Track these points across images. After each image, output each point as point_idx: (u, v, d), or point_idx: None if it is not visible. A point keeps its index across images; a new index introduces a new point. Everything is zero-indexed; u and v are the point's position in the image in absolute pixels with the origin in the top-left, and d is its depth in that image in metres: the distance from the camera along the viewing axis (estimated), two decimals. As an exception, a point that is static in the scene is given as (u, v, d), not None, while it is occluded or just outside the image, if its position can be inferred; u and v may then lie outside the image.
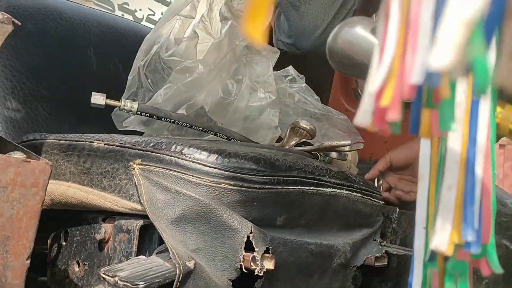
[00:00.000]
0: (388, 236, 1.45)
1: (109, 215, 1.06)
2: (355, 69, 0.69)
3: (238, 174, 0.99)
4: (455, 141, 0.37)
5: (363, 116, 0.37)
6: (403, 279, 1.54)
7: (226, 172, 0.98)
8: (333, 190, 1.18)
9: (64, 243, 1.12)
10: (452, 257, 0.38)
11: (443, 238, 0.37)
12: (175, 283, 0.85)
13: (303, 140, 1.47)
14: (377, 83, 0.36)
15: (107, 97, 1.26)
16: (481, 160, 0.36)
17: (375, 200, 1.32)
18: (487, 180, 0.36)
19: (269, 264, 0.99)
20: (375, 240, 1.33)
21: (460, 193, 0.37)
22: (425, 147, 0.49)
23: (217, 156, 0.99)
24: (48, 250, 1.15)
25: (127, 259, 0.97)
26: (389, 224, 1.45)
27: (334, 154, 1.45)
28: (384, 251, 1.31)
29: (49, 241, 1.15)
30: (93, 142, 1.09)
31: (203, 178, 0.98)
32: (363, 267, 1.34)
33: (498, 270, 0.37)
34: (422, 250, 0.49)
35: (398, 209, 1.50)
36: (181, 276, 0.86)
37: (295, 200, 1.09)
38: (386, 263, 1.32)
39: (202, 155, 0.99)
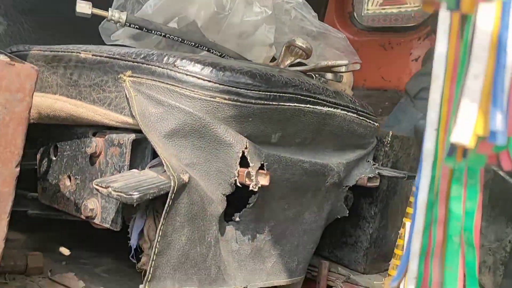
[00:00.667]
0: (380, 159, 1.45)
1: (100, 129, 1.03)
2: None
3: (233, 88, 0.96)
4: (485, 26, 0.34)
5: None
6: (392, 201, 1.56)
7: (220, 86, 0.95)
8: (329, 109, 1.16)
9: (54, 158, 1.10)
10: (473, 151, 0.36)
11: (465, 130, 0.34)
12: (169, 195, 0.84)
13: (298, 60, 1.42)
14: None
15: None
16: (514, 45, 0.33)
17: (370, 121, 1.30)
18: (518, 66, 0.34)
19: (264, 180, 0.99)
20: (368, 161, 1.33)
21: (488, 81, 0.34)
22: (441, 44, 0.46)
23: (211, 69, 0.95)
24: (38, 165, 1.13)
25: (119, 173, 0.95)
26: (381, 147, 1.44)
27: (329, 76, 1.41)
28: (377, 172, 1.31)
29: (38, 156, 1.12)
30: (80, 53, 1.03)
31: (197, 92, 0.94)
32: (354, 189, 1.35)
33: (521, 163, 0.35)
34: (431, 153, 0.48)
35: (391, 133, 1.49)
36: (175, 188, 0.85)
37: (291, 117, 1.07)
38: (378, 183, 1.32)
39: (196, 68, 0.95)
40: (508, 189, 1.80)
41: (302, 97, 1.09)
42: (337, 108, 1.18)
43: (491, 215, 1.91)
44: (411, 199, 1.07)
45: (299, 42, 1.34)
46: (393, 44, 2.16)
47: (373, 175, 1.30)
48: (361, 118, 1.26)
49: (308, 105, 1.10)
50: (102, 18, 1.18)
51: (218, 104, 0.95)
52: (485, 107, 0.34)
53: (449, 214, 0.48)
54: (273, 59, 1.48)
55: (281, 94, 1.04)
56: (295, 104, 1.07)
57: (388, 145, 1.46)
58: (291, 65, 1.39)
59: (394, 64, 2.18)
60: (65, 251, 1.30)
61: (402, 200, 1.53)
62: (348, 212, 1.31)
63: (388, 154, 1.46)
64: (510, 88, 0.34)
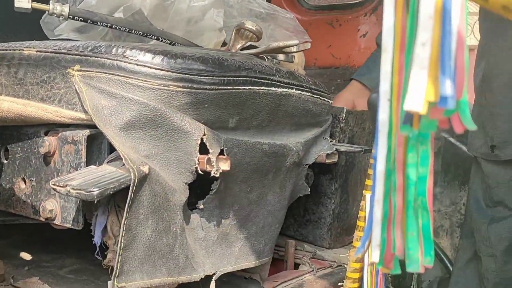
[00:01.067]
0: (336, 136, 1.47)
1: (52, 127, 1.00)
2: None
3: (187, 75, 0.95)
4: (429, -6, 0.35)
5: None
6: (351, 176, 1.60)
7: (173, 74, 0.94)
8: (284, 90, 1.17)
9: (5, 161, 1.06)
10: (425, 117, 0.37)
11: (417, 97, 0.35)
12: (131, 188, 0.83)
13: (249, 43, 1.42)
14: None
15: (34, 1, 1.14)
16: (458, 11, 0.34)
17: (324, 99, 1.32)
18: (462, 32, 0.35)
19: (225, 165, 0.99)
20: (326, 138, 1.35)
21: (435, 48, 0.35)
22: (388, 18, 0.47)
23: (162, 57, 0.94)
24: (-12, 170, 1.08)
25: (77, 171, 0.93)
26: (337, 124, 1.47)
27: (281, 57, 1.41)
28: (334, 149, 1.34)
29: (-12, 161, 1.08)
30: (23, 50, 0.99)
31: (149, 81, 0.93)
32: (314, 166, 1.37)
33: (472, 126, 0.37)
34: (386, 123, 0.49)
35: (345, 109, 1.51)
36: (136, 180, 0.83)
37: (246, 100, 1.07)
38: (336, 159, 1.35)
39: (147, 57, 0.93)
40: (459, 154, 1.88)
41: (256, 80, 1.09)
42: (291, 88, 1.19)
43: (445, 180, 1.99)
44: (370, 171, 1.10)
45: (249, 25, 1.33)
46: (341, 22, 2.18)
47: (331, 151, 1.32)
48: (315, 96, 1.28)
49: (262, 87, 1.10)
50: (44, 12, 1.14)
51: (172, 92, 0.94)
52: (434, 74, 0.36)
53: (407, 181, 0.49)
54: (224, 43, 1.47)
55: (235, 78, 1.03)
56: (250, 87, 1.07)
57: (344, 121, 1.49)
58: (243, 49, 1.39)
59: (343, 41, 2.21)
60: (26, 256, 1.26)
61: (360, 173, 1.56)
62: (309, 190, 1.33)
63: (344, 129, 1.49)
64: (456, 53, 0.35)
